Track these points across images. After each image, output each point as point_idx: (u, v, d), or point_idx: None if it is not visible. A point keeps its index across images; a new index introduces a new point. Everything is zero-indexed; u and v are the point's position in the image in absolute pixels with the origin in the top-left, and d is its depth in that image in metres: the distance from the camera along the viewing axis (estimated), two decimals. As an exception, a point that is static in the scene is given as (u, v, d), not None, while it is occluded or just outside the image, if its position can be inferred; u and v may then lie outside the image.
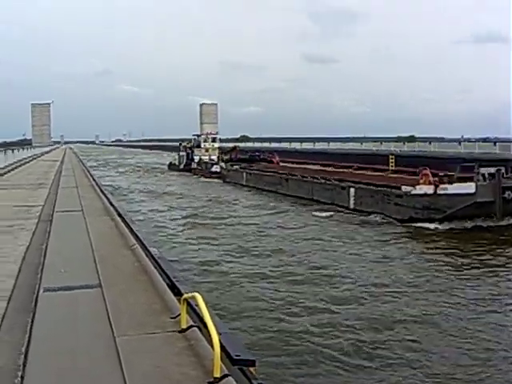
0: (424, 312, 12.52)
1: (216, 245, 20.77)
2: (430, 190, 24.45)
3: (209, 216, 28.61)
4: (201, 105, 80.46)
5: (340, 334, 10.91)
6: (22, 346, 4.60)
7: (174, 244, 21.12)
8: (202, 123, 75.95)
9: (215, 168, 55.93)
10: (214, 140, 66.25)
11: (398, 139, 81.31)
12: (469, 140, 62.06)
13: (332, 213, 28.35)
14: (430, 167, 44.19)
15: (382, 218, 26.24)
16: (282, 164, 55.09)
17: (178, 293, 6.11)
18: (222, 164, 54.79)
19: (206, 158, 61.84)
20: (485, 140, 62.09)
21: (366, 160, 54.35)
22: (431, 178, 25.19)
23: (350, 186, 29.80)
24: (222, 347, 3.90)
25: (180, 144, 70.37)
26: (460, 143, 57.53)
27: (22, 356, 4.39)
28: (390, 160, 52.27)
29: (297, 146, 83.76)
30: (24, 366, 4.17)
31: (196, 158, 63.60)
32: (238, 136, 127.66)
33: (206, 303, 4.25)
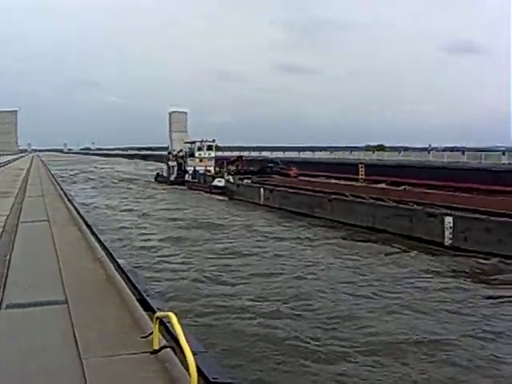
0: None
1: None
2: None
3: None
4: (170, 113, 79.53)
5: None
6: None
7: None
8: (170, 131, 74.03)
9: (218, 182, 47.85)
10: (210, 148, 59.14)
11: (367, 148, 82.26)
12: (436, 149, 63.25)
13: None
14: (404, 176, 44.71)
15: None
16: (301, 178, 48.68)
17: (149, 308, 5.72)
18: (229, 177, 47.02)
19: (201, 169, 55.01)
20: (452, 149, 63.36)
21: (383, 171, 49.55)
22: None
23: (444, 214, 22.75)
24: (199, 369, 3.55)
25: (169, 153, 64.46)
26: (429, 152, 58.55)
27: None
28: (360, 168, 52.15)
29: (279, 154, 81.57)
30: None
31: (190, 170, 56.55)
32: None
33: (181, 322, 3.89)
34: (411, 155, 60.75)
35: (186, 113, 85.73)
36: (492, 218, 20.90)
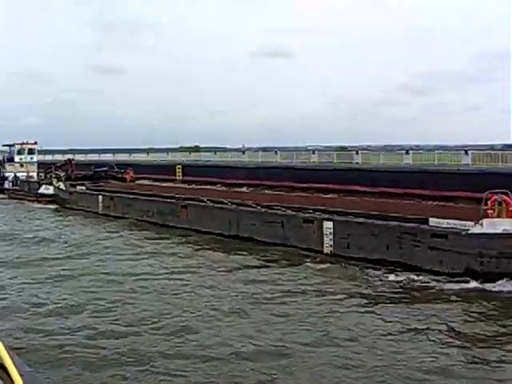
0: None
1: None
2: None
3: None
4: (-24, 116, 73.17)
5: None
6: None
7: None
8: (-30, 136, 66.74)
9: (46, 189, 42.95)
10: (31, 152, 53.93)
11: (183, 149, 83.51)
12: (250, 149, 67.27)
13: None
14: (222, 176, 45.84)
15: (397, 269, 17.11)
16: (139, 182, 45.56)
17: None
18: (60, 184, 41.65)
19: (22, 176, 50.10)
20: (265, 149, 68.15)
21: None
22: None
23: (323, 219, 20.78)
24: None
25: None
26: (244, 152, 61.28)
27: None
28: (177, 169, 53.24)
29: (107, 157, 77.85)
30: None
31: (9, 176, 51.12)
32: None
33: (6, 346, 3.74)
34: (228, 155, 63.09)
35: (-11, 115, 79.18)
36: (378, 221, 19.43)
